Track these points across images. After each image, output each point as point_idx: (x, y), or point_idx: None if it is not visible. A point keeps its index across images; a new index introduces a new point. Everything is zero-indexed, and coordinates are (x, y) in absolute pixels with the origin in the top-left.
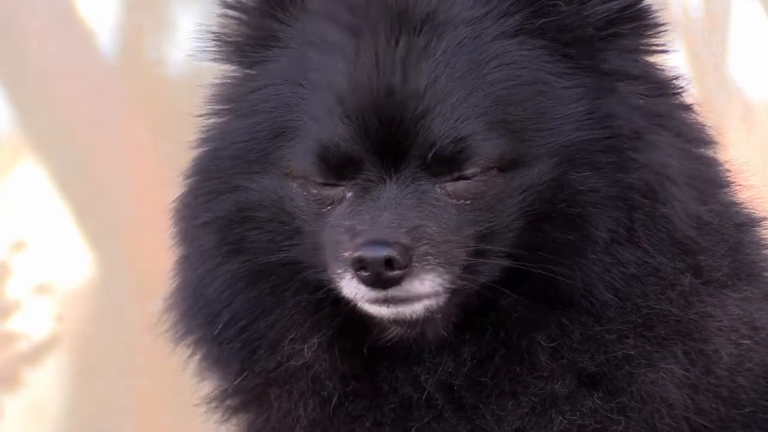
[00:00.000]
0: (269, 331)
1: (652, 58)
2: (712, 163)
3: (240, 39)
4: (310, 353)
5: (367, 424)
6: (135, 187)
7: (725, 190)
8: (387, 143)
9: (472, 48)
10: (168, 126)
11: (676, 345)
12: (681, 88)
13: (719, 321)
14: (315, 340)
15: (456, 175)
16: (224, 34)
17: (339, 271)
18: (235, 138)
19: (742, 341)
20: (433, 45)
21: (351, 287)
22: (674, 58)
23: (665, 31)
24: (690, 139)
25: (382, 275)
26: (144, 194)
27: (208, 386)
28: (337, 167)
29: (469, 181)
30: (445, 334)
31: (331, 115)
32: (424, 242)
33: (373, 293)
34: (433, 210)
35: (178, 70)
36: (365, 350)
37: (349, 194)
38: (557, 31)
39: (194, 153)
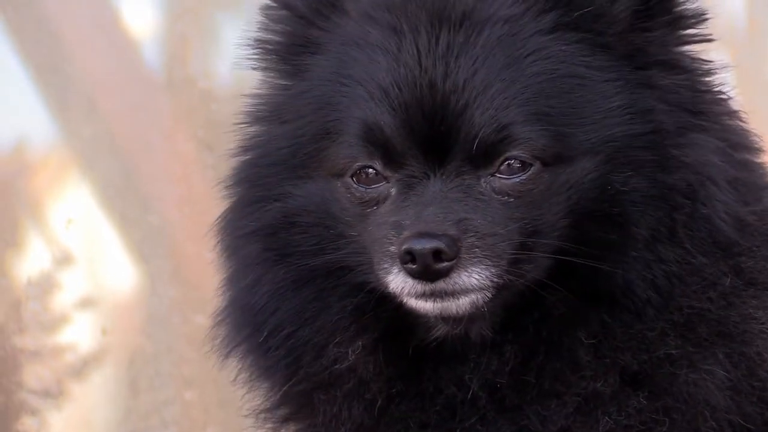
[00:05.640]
0: (314, 336)
1: (694, 48)
2: (756, 169)
3: (282, 47)
4: (353, 356)
5: (413, 426)
6: (180, 199)
7: None
8: (430, 137)
9: (509, 44)
10: (213, 138)
11: (717, 347)
12: (725, 93)
13: (762, 323)
14: (359, 343)
15: (500, 164)
16: (268, 42)
17: (385, 266)
18: (279, 144)
19: None
20: (471, 41)
21: (398, 281)
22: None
23: (703, 19)
24: (734, 143)
25: (430, 267)
26: (189, 206)
27: (257, 397)
28: (382, 148)
29: (513, 178)
30: (490, 333)
31: (376, 104)
32: (471, 234)
33: (420, 286)
34: (478, 204)
35: (223, 82)
36: (410, 351)
37: (393, 191)
38: (593, 23)
39: (235, 162)
